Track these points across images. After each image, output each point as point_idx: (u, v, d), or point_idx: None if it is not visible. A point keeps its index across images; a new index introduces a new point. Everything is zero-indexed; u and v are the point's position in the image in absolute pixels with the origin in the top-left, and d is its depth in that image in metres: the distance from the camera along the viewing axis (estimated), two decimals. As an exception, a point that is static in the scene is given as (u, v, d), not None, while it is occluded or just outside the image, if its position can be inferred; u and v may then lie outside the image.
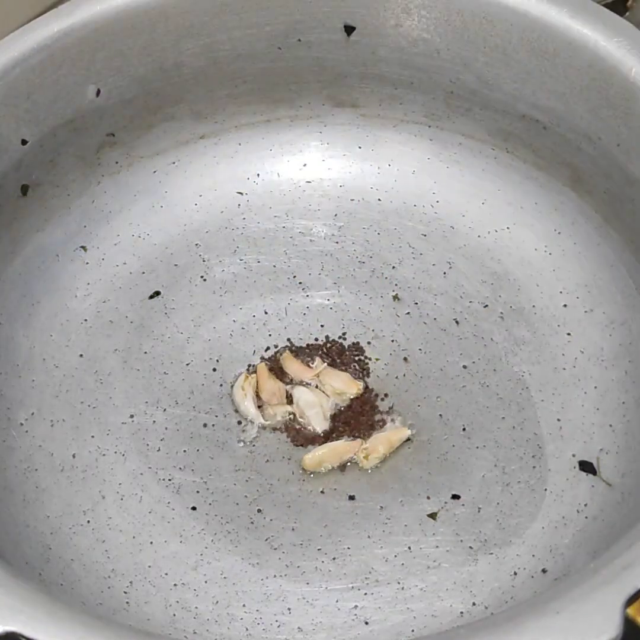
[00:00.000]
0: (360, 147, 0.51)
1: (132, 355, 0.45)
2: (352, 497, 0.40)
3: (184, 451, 0.42)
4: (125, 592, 0.38)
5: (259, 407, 0.43)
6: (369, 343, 0.45)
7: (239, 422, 0.43)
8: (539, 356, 0.44)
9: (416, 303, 0.46)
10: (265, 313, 0.46)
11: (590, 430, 0.41)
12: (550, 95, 0.45)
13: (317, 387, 0.43)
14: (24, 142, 0.44)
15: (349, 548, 0.39)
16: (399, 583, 0.38)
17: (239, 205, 0.51)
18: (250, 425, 0.43)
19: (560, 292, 0.46)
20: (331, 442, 0.41)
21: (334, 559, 0.39)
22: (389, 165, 0.51)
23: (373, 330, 0.46)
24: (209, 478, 0.41)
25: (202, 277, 0.48)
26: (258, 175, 0.51)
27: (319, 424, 0.42)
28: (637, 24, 0.43)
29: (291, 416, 0.42)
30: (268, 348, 0.45)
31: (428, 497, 0.40)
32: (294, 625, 0.37)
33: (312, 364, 0.44)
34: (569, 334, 0.45)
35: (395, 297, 0.47)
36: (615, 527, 0.37)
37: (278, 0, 0.47)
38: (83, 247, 0.48)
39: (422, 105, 0.50)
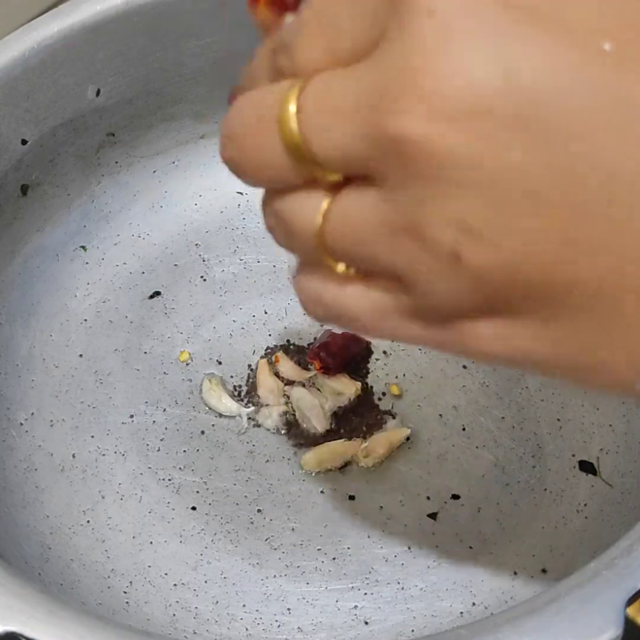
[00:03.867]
0: (360, 147, 0.51)
1: (132, 355, 0.45)
2: (352, 497, 0.40)
3: (184, 451, 0.42)
4: (125, 592, 0.38)
5: (255, 404, 0.43)
6: (369, 343, 0.45)
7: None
8: (539, 356, 0.44)
9: (416, 303, 0.46)
10: (265, 313, 0.46)
11: (590, 430, 0.41)
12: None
13: (313, 385, 0.43)
14: (24, 142, 0.44)
15: (348, 548, 0.39)
16: (398, 583, 0.38)
17: (239, 205, 0.51)
18: (239, 419, 0.43)
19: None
20: (331, 442, 0.41)
21: (333, 559, 0.39)
22: (389, 165, 0.51)
23: (373, 330, 0.45)
24: (209, 478, 0.41)
25: (202, 277, 0.48)
26: (258, 175, 0.51)
27: (319, 425, 0.42)
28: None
29: (290, 416, 0.42)
30: (268, 348, 0.45)
31: (428, 497, 0.40)
32: (294, 625, 0.37)
33: (310, 367, 0.44)
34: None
35: (395, 297, 0.47)
36: (615, 527, 0.37)
37: None
38: (83, 247, 0.48)
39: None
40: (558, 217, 0.18)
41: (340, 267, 0.21)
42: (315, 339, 0.45)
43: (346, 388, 0.43)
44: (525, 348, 0.20)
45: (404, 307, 0.21)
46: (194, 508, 0.40)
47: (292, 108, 0.20)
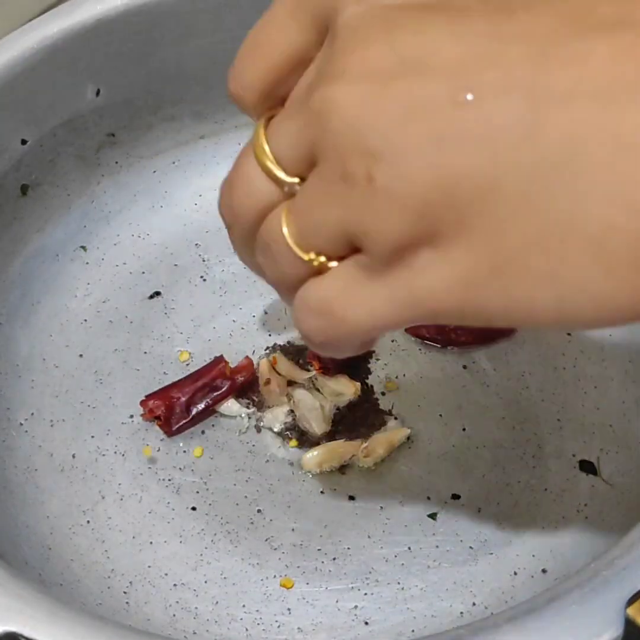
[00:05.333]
0: (360, 147, 0.51)
1: (132, 355, 0.45)
2: (352, 497, 0.40)
3: (184, 451, 0.42)
4: (125, 592, 0.38)
5: (256, 404, 0.43)
6: (369, 343, 0.45)
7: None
8: (539, 356, 0.44)
9: (416, 303, 0.46)
10: (265, 313, 0.46)
11: (590, 430, 0.41)
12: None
13: (313, 384, 0.43)
14: (23, 141, 0.44)
15: (349, 548, 0.39)
16: (399, 583, 0.38)
17: (239, 205, 0.50)
18: (239, 419, 0.43)
19: (561, 292, 0.46)
20: (331, 443, 0.41)
21: (334, 559, 0.39)
22: (389, 165, 0.51)
23: (373, 330, 0.45)
24: (209, 478, 0.41)
25: (202, 277, 0.48)
26: (258, 175, 0.51)
27: (320, 426, 0.42)
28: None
29: (291, 416, 0.42)
30: (268, 348, 0.45)
31: (428, 497, 0.40)
32: (294, 626, 0.37)
33: (310, 367, 0.44)
34: (569, 334, 0.45)
35: (395, 297, 0.47)
36: (615, 527, 0.37)
37: None
38: (83, 247, 0.48)
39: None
40: None
41: (311, 256, 0.24)
42: (315, 339, 0.45)
43: (346, 388, 0.42)
44: (458, 275, 0.22)
45: (366, 269, 0.23)
46: (194, 508, 0.40)
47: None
